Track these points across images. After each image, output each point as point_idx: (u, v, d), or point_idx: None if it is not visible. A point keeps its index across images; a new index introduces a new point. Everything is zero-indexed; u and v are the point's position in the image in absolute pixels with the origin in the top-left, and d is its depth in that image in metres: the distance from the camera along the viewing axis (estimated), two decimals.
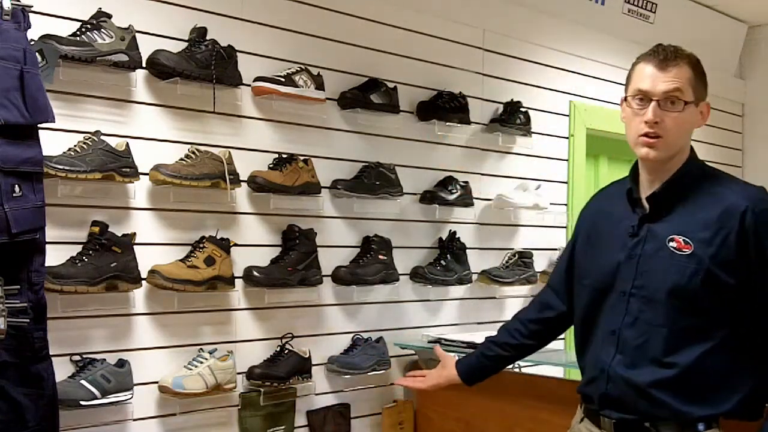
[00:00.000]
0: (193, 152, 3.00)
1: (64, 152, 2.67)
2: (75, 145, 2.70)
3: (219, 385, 3.01)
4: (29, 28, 2.39)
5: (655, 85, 2.04)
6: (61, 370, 2.62)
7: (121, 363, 2.80)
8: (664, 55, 2.05)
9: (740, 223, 1.96)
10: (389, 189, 3.64)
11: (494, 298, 4.20)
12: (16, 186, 2.26)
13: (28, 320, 2.28)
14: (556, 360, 3.46)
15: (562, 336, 2.70)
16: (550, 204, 4.39)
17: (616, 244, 2.13)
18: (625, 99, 2.12)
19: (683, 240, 2.00)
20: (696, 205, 2.04)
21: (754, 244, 1.96)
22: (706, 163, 2.18)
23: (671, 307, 2.01)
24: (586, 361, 2.22)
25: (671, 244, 2.02)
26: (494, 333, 2.56)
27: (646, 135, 2.04)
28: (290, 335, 3.30)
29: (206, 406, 3.08)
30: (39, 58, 2.47)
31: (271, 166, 3.27)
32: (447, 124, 3.91)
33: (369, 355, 3.52)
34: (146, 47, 2.90)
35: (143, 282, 2.87)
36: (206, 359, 2.99)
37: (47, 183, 2.46)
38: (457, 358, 2.63)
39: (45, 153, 2.42)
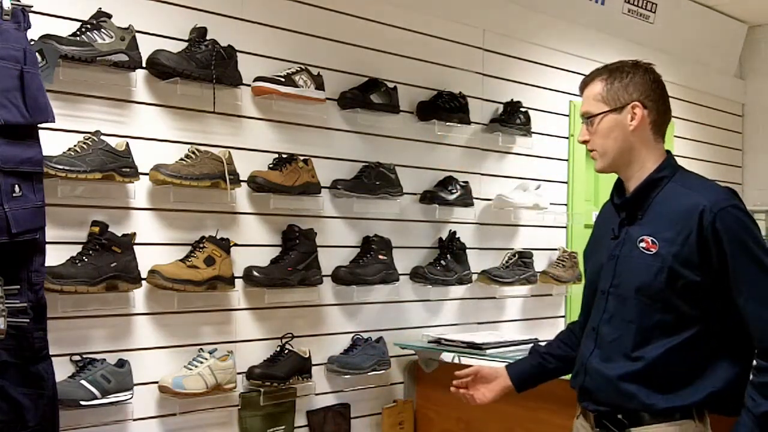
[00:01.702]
0: (193, 152, 3.00)
1: (64, 152, 2.67)
2: (75, 145, 2.70)
3: (219, 385, 3.01)
4: (29, 28, 2.39)
5: (580, 110, 2.27)
6: (61, 370, 2.62)
7: (121, 363, 2.80)
8: (582, 81, 2.26)
9: (699, 223, 2.04)
10: (389, 189, 3.64)
11: (494, 298, 4.20)
12: (16, 186, 2.26)
13: (28, 320, 2.28)
14: None
15: None
16: (550, 204, 4.39)
17: (604, 247, 2.25)
18: None
19: (651, 240, 2.11)
20: (664, 207, 2.14)
21: (713, 243, 2.04)
22: (683, 166, 2.25)
23: (640, 304, 2.11)
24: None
25: (641, 244, 2.12)
26: (545, 341, 2.56)
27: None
28: (290, 335, 3.30)
29: (206, 406, 3.08)
30: (39, 58, 2.47)
31: (271, 166, 3.27)
32: (447, 124, 3.92)
33: (369, 355, 3.52)
34: (146, 47, 2.90)
35: (143, 282, 2.87)
36: (206, 359, 2.99)
37: (47, 183, 2.46)
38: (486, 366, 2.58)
39: (45, 153, 2.42)
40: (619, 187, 2.27)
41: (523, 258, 4.24)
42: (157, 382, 2.93)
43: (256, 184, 3.19)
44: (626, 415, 2.12)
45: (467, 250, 4.01)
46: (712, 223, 2.02)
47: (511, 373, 2.46)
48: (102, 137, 2.74)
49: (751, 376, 2.08)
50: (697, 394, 2.07)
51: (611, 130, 2.17)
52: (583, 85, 2.24)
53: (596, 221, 2.43)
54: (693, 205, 2.06)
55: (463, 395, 2.47)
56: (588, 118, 2.20)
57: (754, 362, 2.06)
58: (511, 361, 2.53)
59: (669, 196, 2.14)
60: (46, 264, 2.42)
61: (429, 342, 3.67)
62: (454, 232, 3.96)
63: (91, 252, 2.71)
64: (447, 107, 3.90)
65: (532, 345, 2.58)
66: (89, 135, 2.73)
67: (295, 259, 3.27)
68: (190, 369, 2.96)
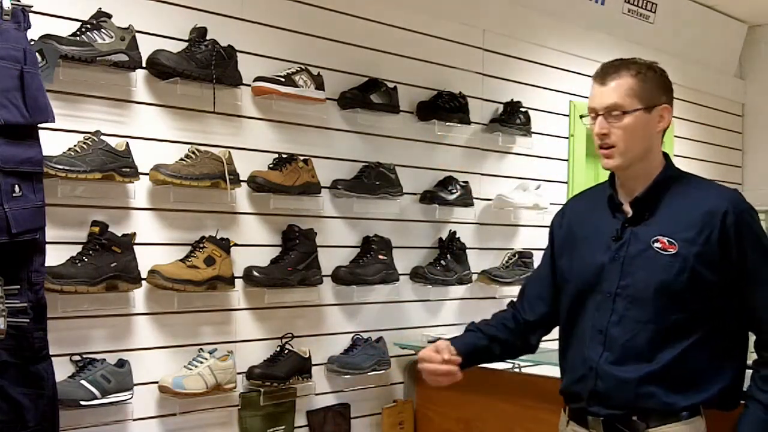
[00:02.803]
0: (193, 152, 3.00)
1: (64, 152, 2.67)
2: (75, 145, 2.70)
3: (219, 385, 3.01)
4: (29, 28, 2.39)
5: (597, 100, 2.14)
6: (61, 370, 2.62)
7: (121, 363, 2.80)
8: (604, 71, 2.15)
9: (721, 224, 2.07)
10: (389, 189, 3.64)
11: (494, 298, 4.19)
12: (16, 186, 2.26)
13: (28, 320, 2.28)
14: (556, 360, 3.45)
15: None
16: (550, 204, 4.39)
17: (598, 247, 2.20)
18: None
19: (668, 240, 2.10)
20: (678, 208, 2.13)
21: (735, 244, 2.07)
22: (684, 169, 2.26)
23: (659, 305, 2.09)
24: (570, 360, 2.29)
25: (656, 244, 2.11)
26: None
27: (600, 147, 2.16)
28: (290, 335, 3.30)
29: (206, 406, 3.08)
30: (39, 58, 2.47)
31: (271, 166, 3.27)
32: (447, 124, 3.92)
33: (369, 355, 3.52)
34: (146, 47, 2.90)
35: (143, 282, 2.87)
36: (206, 359, 2.99)
37: (47, 183, 2.46)
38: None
39: (45, 153, 2.43)
40: (613, 187, 2.23)
41: (523, 258, 4.24)
42: (157, 382, 2.93)
43: (256, 184, 3.19)
44: (642, 416, 2.10)
45: (467, 250, 4.01)
46: (735, 225, 2.06)
47: (462, 353, 2.26)
48: (102, 137, 2.74)
49: (758, 369, 2.11)
50: (709, 391, 2.10)
51: (639, 129, 2.12)
52: (607, 76, 2.12)
53: (562, 223, 2.37)
54: (714, 206, 2.08)
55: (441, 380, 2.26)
56: (624, 112, 2.09)
57: (760, 356, 2.11)
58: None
59: (680, 197, 2.14)
60: (46, 264, 2.42)
61: (429, 342, 3.64)
62: (454, 232, 3.96)
63: (91, 252, 2.70)
64: (447, 107, 3.90)
65: (470, 324, 2.41)
66: (89, 135, 2.73)
67: (295, 259, 3.27)
68: (190, 369, 2.96)
